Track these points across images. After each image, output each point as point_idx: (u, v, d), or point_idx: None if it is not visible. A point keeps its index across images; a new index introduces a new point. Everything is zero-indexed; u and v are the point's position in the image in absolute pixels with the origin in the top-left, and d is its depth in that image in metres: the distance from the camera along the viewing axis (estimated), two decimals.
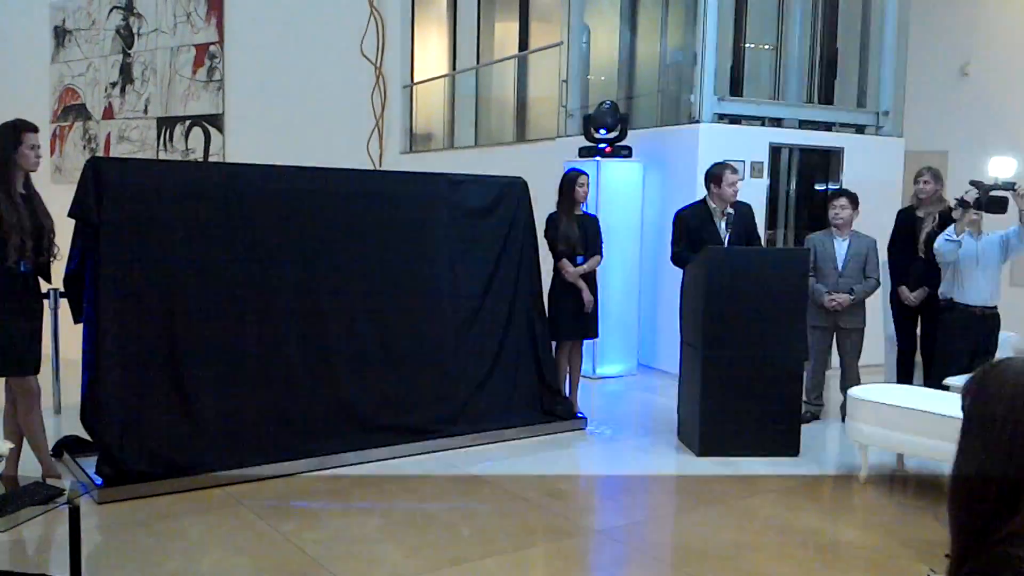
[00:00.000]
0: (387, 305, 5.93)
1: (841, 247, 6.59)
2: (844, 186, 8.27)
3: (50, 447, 5.04)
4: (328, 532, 4.39)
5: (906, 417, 5.08)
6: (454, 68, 12.79)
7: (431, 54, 12.95)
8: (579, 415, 6.51)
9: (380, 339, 5.88)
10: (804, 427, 6.04)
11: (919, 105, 9.98)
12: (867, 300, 6.68)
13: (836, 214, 6.58)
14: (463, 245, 6.34)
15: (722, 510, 4.87)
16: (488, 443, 5.94)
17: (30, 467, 4.76)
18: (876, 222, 7.16)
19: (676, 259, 6.45)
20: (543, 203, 6.76)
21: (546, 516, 4.75)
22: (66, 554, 3.59)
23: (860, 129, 9.29)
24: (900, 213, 6.99)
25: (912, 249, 6.63)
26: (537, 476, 5.40)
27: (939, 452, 4.84)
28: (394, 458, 5.55)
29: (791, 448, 5.80)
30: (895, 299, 6.80)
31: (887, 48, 9.31)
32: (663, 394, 7.51)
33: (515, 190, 6.61)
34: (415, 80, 12.72)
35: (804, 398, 6.31)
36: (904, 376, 6.78)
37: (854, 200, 6.63)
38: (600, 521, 4.87)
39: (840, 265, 6.56)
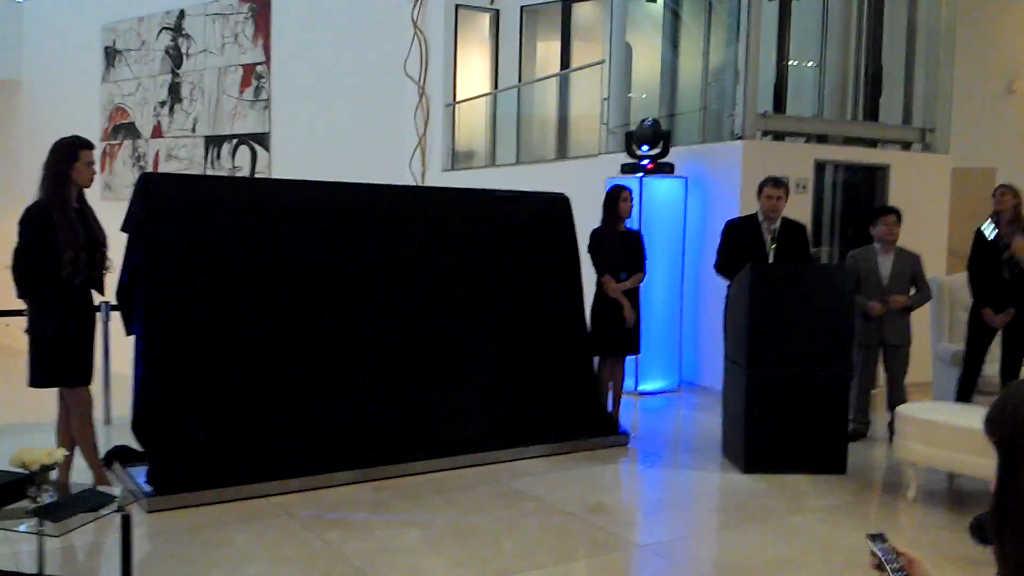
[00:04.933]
0: (431, 319, 5.98)
1: (886, 263, 6.51)
2: (890, 203, 8.18)
3: (100, 456, 5.13)
4: (372, 543, 4.41)
5: (956, 435, 5.00)
6: (496, 87, 12.88)
7: (473, 73, 13.05)
8: (622, 431, 6.49)
9: (424, 352, 5.92)
10: (851, 445, 5.97)
11: (966, 121, 9.87)
12: (913, 317, 6.59)
13: (889, 230, 6.50)
14: (505, 260, 6.37)
15: (767, 527, 4.82)
16: (530, 457, 5.94)
17: (82, 476, 4.84)
18: (923, 239, 7.08)
19: (718, 267, 6.46)
20: (584, 219, 6.77)
21: (588, 530, 4.74)
22: (114, 561, 3.66)
23: (906, 146, 9.21)
24: (979, 231, 6.54)
25: (996, 270, 6.32)
26: (580, 490, 5.39)
27: (989, 470, 4.75)
28: (437, 471, 5.57)
29: (837, 466, 5.73)
30: (974, 319, 6.49)
31: (933, 64, 9.22)
32: (706, 410, 7.47)
33: (557, 206, 6.64)
34: (457, 99, 12.82)
35: (850, 416, 6.24)
36: (965, 395, 6.57)
37: (900, 216, 6.58)
38: (643, 536, 4.85)
39: (885, 281, 6.49)
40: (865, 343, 6.49)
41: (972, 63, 10.31)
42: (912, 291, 6.54)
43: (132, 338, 5.26)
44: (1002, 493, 1.41)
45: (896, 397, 6.39)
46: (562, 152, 11.65)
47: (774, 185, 6.37)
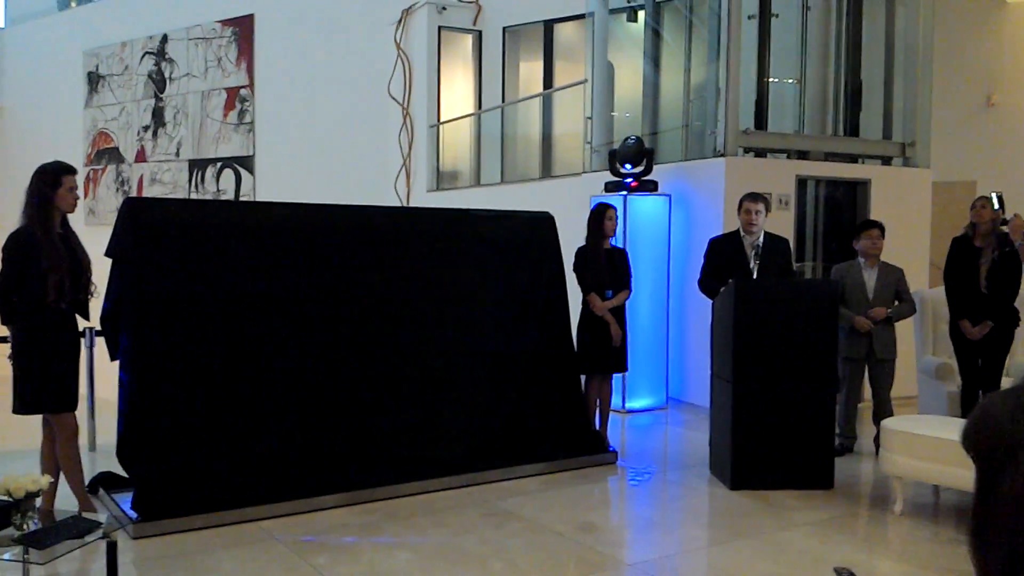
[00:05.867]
0: (417, 339, 5.98)
1: (870, 277, 6.56)
2: (872, 217, 8.23)
3: (86, 483, 5.09)
4: (360, 566, 4.39)
5: (941, 448, 5.03)
6: (480, 107, 12.93)
7: (457, 94, 13.12)
8: (610, 449, 6.49)
9: (410, 373, 5.91)
10: (837, 460, 5.98)
11: (945, 136, 9.96)
12: (899, 331, 6.62)
13: (873, 244, 6.56)
14: (491, 280, 6.38)
15: (755, 543, 4.82)
16: (518, 477, 5.93)
17: (67, 503, 4.80)
18: (905, 253, 7.13)
19: (701, 286, 6.48)
20: (569, 237, 6.80)
21: (578, 550, 4.73)
22: None
23: (886, 160, 9.28)
24: (955, 242, 6.59)
25: (973, 282, 6.34)
26: (568, 510, 5.38)
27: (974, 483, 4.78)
28: (425, 492, 5.55)
29: (824, 481, 5.74)
30: (955, 333, 6.52)
31: (911, 79, 9.31)
32: (693, 427, 7.48)
33: (542, 225, 6.66)
34: (441, 119, 12.87)
35: (837, 431, 6.25)
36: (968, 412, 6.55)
37: (883, 230, 6.63)
38: (632, 555, 4.84)
39: (871, 295, 6.53)
40: (851, 357, 6.52)
41: (950, 77, 10.42)
42: (896, 304, 6.58)
43: (117, 364, 5.24)
44: (981, 507, 1.41)
45: (882, 411, 6.41)
46: (546, 171, 11.70)
47: (752, 199, 6.41)
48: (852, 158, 9.10)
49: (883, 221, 6.82)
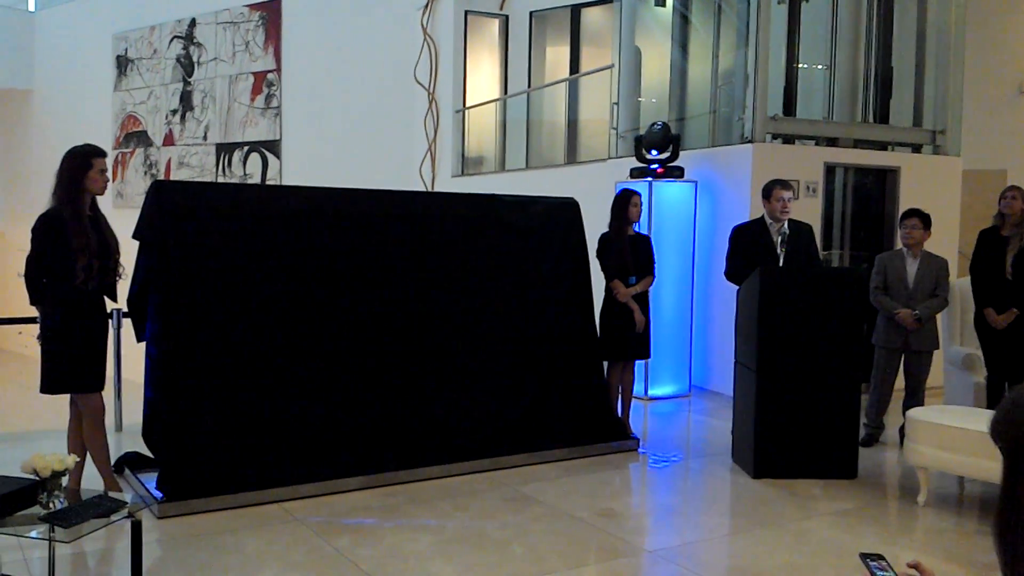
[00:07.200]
0: (440, 324, 5.99)
1: (912, 267, 6.46)
2: (902, 205, 8.14)
3: (112, 463, 5.15)
4: (382, 548, 4.42)
5: (966, 439, 4.98)
6: (506, 92, 12.90)
7: (483, 79, 13.08)
8: (632, 436, 6.48)
9: (433, 358, 5.93)
10: (861, 450, 5.94)
11: (976, 123, 9.83)
12: (938, 322, 6.54)
13: (908, 234, 6.48)
14: (515, 265, 6.38)
15: (777, 532, 4.81)
16: (540, 463, 5.94)
17: (93, 482, 4.86)
18: (934, 241, 7.04)
19: (729, 274, 6.44)
20: (594, 223, 6.78)
21: (598, 536, 4.73)
22: (125, 567, 3.67)
23: (916, 148, 9.17)
24: (983, 233, 6.59)
25: (999, 270, 6.32)
26: (589, 496, 5.39)
27: (999, 475, 4.73)
28: (447, 476, 5.58)
29: (848, 471, 5.71)
30: (981, 322, 6.49)
31: (943, 66, 9.18)
32: (716, 415, 7.46)
33: (567, 211, 6.65)
34: (467, 104, 12.85)
35: (864, 420, 6.20)
36: (995, 404, 6.51)
37: (926, 220, 6.50)
38: (652, 541, 4.84)
39: (911, 285, 6.44)
40: (887, 346, 6.45)
41: (982, 65, 10.27)
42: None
43: (143, 345, 5.30)
44: (1008, 499, 1.40)
45: (914, 402, 6.32)
46: (571, 157, 11.66)
47: (784, 186, 6.34)
48: (882, 145, 9.01)
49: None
